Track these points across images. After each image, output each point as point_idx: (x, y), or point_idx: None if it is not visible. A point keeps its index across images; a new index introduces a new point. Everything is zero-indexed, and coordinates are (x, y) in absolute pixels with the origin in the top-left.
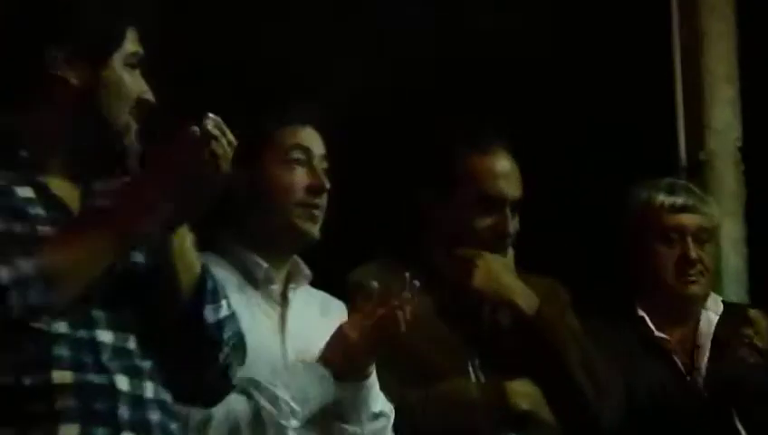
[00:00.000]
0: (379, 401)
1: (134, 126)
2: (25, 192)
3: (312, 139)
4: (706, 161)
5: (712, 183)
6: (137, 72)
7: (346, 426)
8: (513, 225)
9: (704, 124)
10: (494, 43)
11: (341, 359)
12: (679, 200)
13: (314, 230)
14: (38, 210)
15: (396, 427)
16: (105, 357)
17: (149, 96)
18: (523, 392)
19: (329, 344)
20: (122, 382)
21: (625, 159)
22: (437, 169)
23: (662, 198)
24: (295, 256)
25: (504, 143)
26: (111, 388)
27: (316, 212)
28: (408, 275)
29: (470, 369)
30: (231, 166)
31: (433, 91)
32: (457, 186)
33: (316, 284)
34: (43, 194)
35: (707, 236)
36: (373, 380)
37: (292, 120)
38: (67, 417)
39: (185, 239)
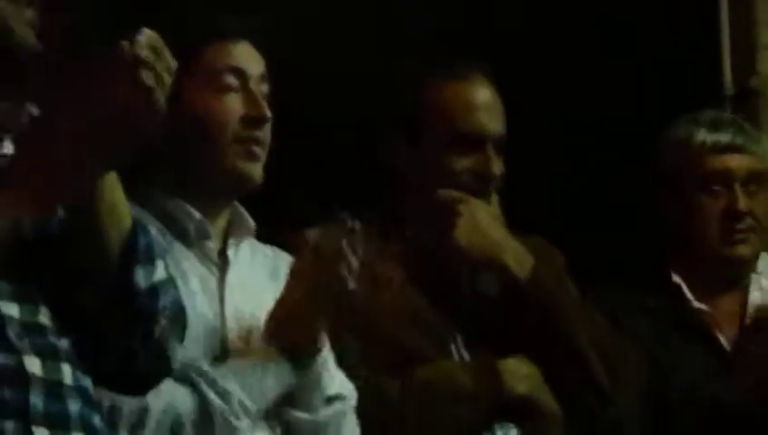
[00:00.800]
0: (336, 382)
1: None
2: None
3: (247, 57)
4: (758, 89)
5: (765, 116)
6: None
7: (296, 413)
8: (498, 166)
9: (755, 43)
10: None
11: (282, 332)
12: (724, 138)
13: (255, 171)
14: None
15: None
16: (11, 333)
17: None
18: (520, 373)
19: (270, 316)
20: (34, 365)
21: (658, 89)
22: (401, 105)
23: (703, 135)
24: (236, 205)
25: (481, 70)
26: (21, 371)
27: (256, 149)
28: (347, 217)
29: (452, 348)
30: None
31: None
32: (427, 124)
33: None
34: None
35: (759, 182)
36: (325, 357)
37: (222, 35)
38: None
39: (114, 190)
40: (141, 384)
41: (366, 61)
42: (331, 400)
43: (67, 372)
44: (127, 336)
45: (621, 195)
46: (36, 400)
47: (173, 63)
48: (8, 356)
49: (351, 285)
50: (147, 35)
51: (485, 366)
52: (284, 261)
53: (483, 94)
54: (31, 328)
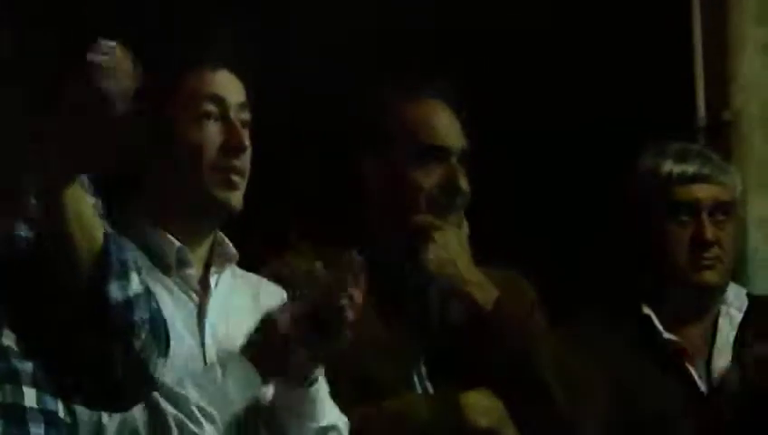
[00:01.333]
0: (330, 414)
1: None
2: None
3: (227, 85)
4: (731, 122)
5: (737, 149)
6: None
7: None
8: (464, 181)
9: (728, 77)
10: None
11: (269, 354)
12: (691, 168)
13: (234, 199)
14: None
15: None
16: None
17: None
18: (483, 406)
19: (255, 335)
20: None
21: (631, 120)
22: (370, 123)
23: (670, 165)
24: (218, 233)
25: (440, 91)
26: None
27: (235, 177)
28: (353, 253)
29: (415, 379)
30: (133, 103)
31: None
32: (394, 139)
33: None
34: None
35: (726, 211)
36: (318, 388)
37: (202, 63)
38: None
39: (80, 201)
40: (124, 399)
41: (337, 80)
42: (324, 430)
43: (30, 396)
44: (103, 352)
45: (593, 224)
46: None
47: (131, 69)
48: None
49: (351, 315)
50: (104, 44)
51: (448, 399)
52: (269, 288)
53: (443, 113)
54: None
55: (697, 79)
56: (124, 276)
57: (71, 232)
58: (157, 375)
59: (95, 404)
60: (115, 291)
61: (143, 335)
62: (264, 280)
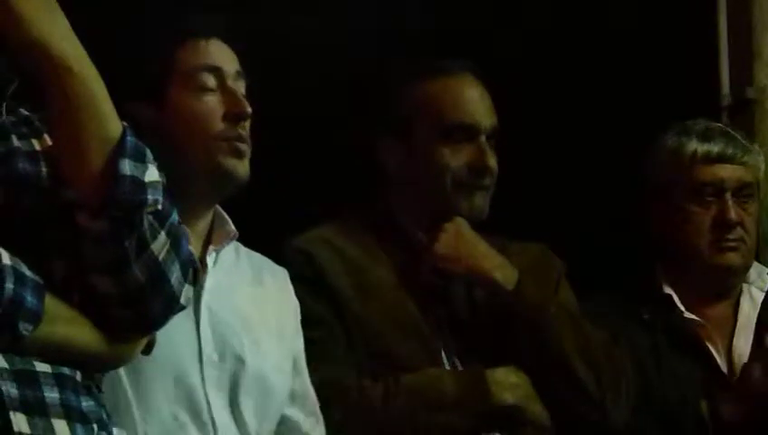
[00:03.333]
0: None
1: None
2: None
3: (221, 54)
4: (755, 99)
5: (761, 126)
6: None
7: None
8: (493, 159)
9: (752, 53)
10: None
11: None
12: (716, 148)
13: (242, 168)
14: None
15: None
16: None
17: None
18: (509, 383)
19: None
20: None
21: (657, 99)
22: (389, 106)
23: (694, 145)
24: (218, 209)
25: (468, 67)
26: None
27: (241, 145)
28: None
29: (443, 355)
30: None
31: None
32: (416, 120)
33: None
34: None
35: (750, 192)
36: None
37: (193, 34)
38: None
39: (88, 81)
40: (148, 312)
41: (355, 62)
42: None
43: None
44: (116, 242)
45: (615, 205)
46: (9, 388)
47: None
48: None
49: None
50: None
51: (474, 375)
52: (271, 268)
53: (471, 88)
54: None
55: (722, 56)
56: (140, 159)
57: (75, 115)
58: (182, 300)
59: (118, 322)
60: (126, 166)
61: (161, 235)
62: (268, 259)
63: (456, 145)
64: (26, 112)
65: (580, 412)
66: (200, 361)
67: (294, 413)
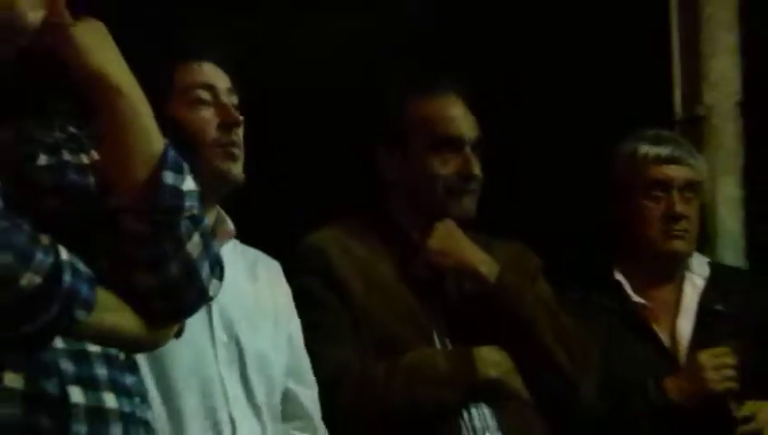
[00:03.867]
0: None
1: None
2: None
3: (213, 74)
4: (704, 116)
5: (709, 139)
6: None
7: None
8: (477, 166)
9: (701, 76)
10: None
11: None
12: (665, 151)
13: (237, 170)
14: None
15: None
16: None
17: None
18: (493, 360)
19: None
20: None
21: (617, 114)
22: (388, 121)
23: (647, 148)
24: (218, 208)
25: (453, 87)
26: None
27: (234, 150)
28: None
29: (435, 338)
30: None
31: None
32: (411, 133)
33: (269, 250)
34: None
35: (694, 189)
36: None
37: (190, 57)
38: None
39: (136, 103)
40: (180, 303)
41: (357, 80)
42: None
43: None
44: (156, 241)
45: (574, 204)
46: (67, 365)
47: None
48: None
49: None
50: None
51: (462, 353)
52: (265, 261)
53: (455, 106)
54: None
55: (675, 78)
56: (179, 171)
57: (126, 133)
58: (211, 293)
59: (152, 307)
60: (169, 176)
61: (195, 236)
62: (262, 253)
63: (445, 155)
64: (74, 130)
65: (554, 387)
66: (213, 342)
67: (293, 386)
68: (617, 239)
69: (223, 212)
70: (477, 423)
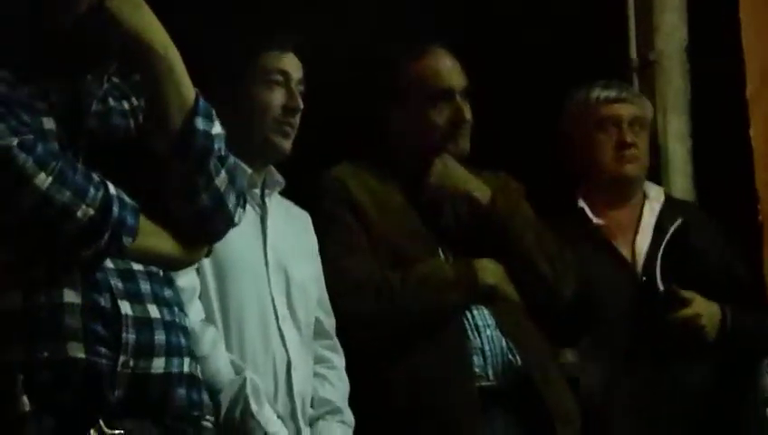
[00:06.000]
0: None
1: None
2: None
3: (291, 64)
4: (655, 61)
5: (660, 80)
6: None
7: None
8: (467, 111)
9: (653, 27)
10: None
11: None
12: (614, 93)
13: (287, 145)
14: None
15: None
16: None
17: None
18: (490, 269)
19: None
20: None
21: (580, 60)
22: (390, 78)
23: (598, 92)
24: (270, 166)
25: (439, 44)
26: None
27: (289, 129)
28: None
29: (440, 253)
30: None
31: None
32: (410, 89)
33: (296, 186)
34: None
35: (642, 124)
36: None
37: (276, 46)
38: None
39: (170, 60)
40: (210, 226)
41: (364, 47)
42: None
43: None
44: (190, 178)
45: (543, 147)
46: (116, 282)
47: None
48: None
49: None
50: None
51: (465, 263)
52: (295, 210)
53: (446, 61)
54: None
55: (630, 29)
56: (209, 117)
57: (163, 89)
58: (236, 220)
59: (185, 229)
60: (200, 122)
61: (222, 172)
62: (293, 204)
63: (440, 106)
64: (117, 80)
65: (539, 293)
66: (267, 270)
67: (319, 314)
68: (577, 171)
69: (272, 168)
70: (479, 322)
